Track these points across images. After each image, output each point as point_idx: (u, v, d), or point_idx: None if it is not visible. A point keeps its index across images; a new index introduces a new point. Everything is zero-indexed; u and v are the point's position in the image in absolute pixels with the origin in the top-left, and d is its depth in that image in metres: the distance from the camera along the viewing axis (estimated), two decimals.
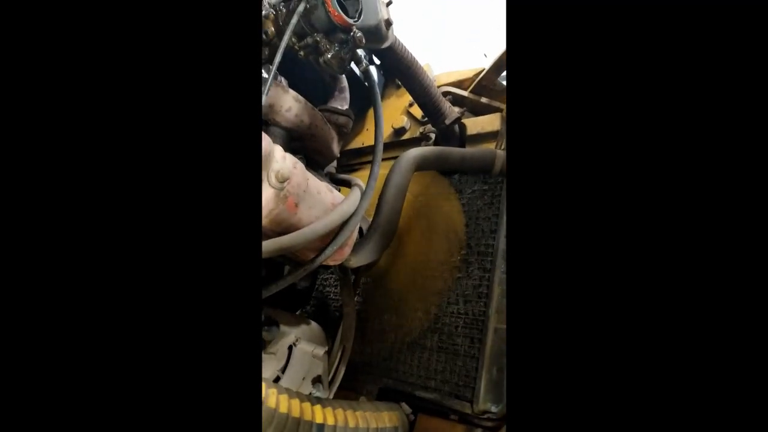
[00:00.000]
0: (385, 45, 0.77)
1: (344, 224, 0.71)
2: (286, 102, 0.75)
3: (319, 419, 0.54)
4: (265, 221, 0.64)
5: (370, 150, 1.18)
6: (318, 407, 0.55)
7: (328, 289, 1.09)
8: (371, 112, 1.21)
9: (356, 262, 0.83)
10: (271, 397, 0.50)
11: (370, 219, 0.88)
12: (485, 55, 1.32)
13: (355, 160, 1.18)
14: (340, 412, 0.58)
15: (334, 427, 0.56)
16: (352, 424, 0.59)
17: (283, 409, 0.51)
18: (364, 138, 1.19)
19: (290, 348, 0.72)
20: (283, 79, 0.90)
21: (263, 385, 0.51)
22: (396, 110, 1.12)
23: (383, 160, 0.80)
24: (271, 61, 0.71)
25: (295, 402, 0.53)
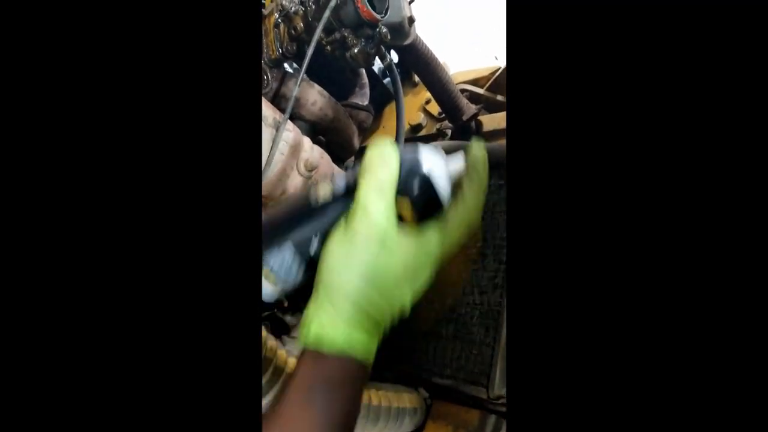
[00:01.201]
0: (408, 41, 0.79)
1: None
2: (311, 96, 0.78)
3: None
4: None
5: None
6: None
7: None
8: (387, 110, 1.24)
9: None
10: None
11: None
12: (496, 58, 1.34)
13: None
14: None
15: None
16: (375, 402, 0.62)
17: None
18: (381, 135, 1.21)
19: None
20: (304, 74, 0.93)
21: (289, 357, 0.54)
22: (412, 107, 1.15)
23: None
24: (299, 56, 0.74)
25: None
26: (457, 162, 0.39)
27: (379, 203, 0.35)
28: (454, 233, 0.39)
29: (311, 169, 0.65)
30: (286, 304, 0.77)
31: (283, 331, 0.78)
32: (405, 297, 0.37)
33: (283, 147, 0.61)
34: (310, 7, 0.69)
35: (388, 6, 0.66)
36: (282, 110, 0.72)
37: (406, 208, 0.37)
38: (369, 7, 0.62)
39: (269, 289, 0.38)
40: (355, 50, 0.69)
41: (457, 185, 0.39)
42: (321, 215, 0.38)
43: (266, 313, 0.77)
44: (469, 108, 0.98)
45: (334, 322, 0.34)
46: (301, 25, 0.70)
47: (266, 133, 0.59)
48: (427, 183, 0.37)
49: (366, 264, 0.34)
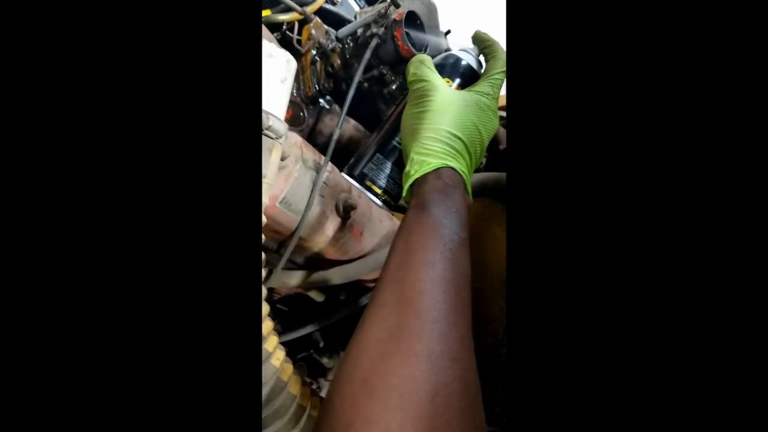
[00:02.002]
0: None
1: None
2: (347, 131, 0.77)
3: None
4: (331, 249, 0.65)
5: None
6: None
7: None
8: None
9: None
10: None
11: None
12: None
13: None
14: None
15: None
16: None
17: None
18: None
19: None
20: (336, 107, 0.92)
21: (307, 391, 0.51)
22: None
23: None
24: (335, 93, 0.73)
25: None
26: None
27: (430, 74, 0.46)
28: (497, 82, 0.46)
29: (349, 209, 0.63)
30: (321, 345, 0.75)
31: (319, 373, 0.75)
32: (479, 129, 0.44)
33: (322, 189, 0.60)
34: (348, 44, 0.68)
35: (427, 44, 0.64)
36: (317, 145, 0.71)
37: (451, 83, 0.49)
38: (409, 44, 0.60)
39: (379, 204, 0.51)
40: (393, 87, 0.67)
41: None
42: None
43: (303, 355, 0.74)
44: (503, 136, 0.95)
45: (429, 151, 0.41)
46: (339, 62, 0.69)
47: (306, 177, 0.57)
48: (462, 62, 0.50)
49: (437, 111, 0.42)
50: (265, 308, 0.46)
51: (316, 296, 0.77)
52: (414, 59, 0.49)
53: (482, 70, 0.51)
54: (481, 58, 0.51)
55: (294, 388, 0.46)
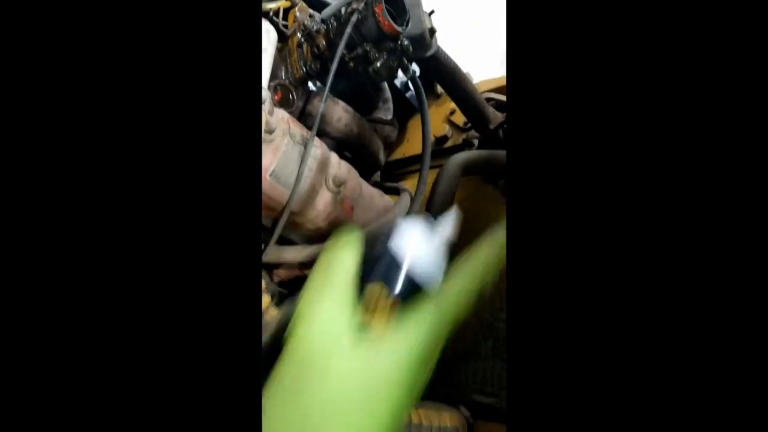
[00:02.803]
0: (429, 53, 0.79)
1: None
2: (336, 112, 0.78)
3: None
4: (323, 224, 0.66)
5: (412, 160, 1.20)
6: None
7: None
8: (411, 123, 1.23)
9: None
10: None
11: None
12: None
13: (399, 170, 1.20)
14: None
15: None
16: (415, 420, 0.59)
17: None
18: (406, 149, 1.20)
19: None
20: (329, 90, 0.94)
21: None
22: (437, 119, 1.14)
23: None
24: (323, 74, 0.75)
25: None
26: (447, 228, 0.34)
27: (326, 308, 0.26)
28: (454, 310, 0.30)
29: (339, 184, 0.65)
30: None
31: None
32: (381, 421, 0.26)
33: (311, 163, 0.61)
34: (332, 24, 0.70)
35: (408, 18, 0.65)
36: (309, 128, 0.73)
37: (382, 300, 0.29)
38: (390, 20, 0.62)
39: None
40: (378, 64, 0.69)
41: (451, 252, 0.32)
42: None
43: None
44: (496, 116, 0.97)
45: None
46: (324, 43, 0.70)
47: (294, 151, 0.59)
48: (408, 273, 0.31)
49: (309, 404, 0.25)
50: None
51: None
52: (316, 267, 0.32)
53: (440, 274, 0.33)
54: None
55: None
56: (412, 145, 1.20)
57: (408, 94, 1.19)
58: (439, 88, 1.20)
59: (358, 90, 0.91)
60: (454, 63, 0.87)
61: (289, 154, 0.58)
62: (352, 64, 0.72)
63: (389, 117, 0.92)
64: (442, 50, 0.85)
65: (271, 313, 0.52)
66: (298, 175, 0.58)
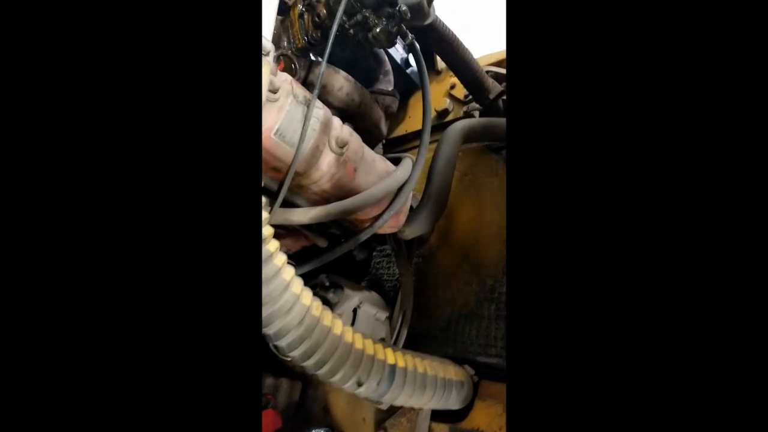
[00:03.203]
0: (428, 22, 0.80)
1: (399, 190, 0.74)
2: (337, 82, 0.80)
3: (391, 360, 0.56)
4: (327, 185, 0.68)
5: (413, 137, 1.21)
6: (389, 350, 0.58)
7: (381, 271, 1.12)
8: (412, 100, 1.25)
9: (410, 233, 0.86)
10: (347, 334, 0.53)
11: (419, 197, 0.91)
12: None
13: (401, 147, 1.22)
14: (410, 358, 0.60)
15: (405, 369, 0.58)
16: (420, 370, 0.61)
17: (358, 345, 0.54)
18: (407, 125, 1.22)
19: (355, 311, 0.75)
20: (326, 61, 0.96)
21: (339, 322, 0.54)
22: (438, 94, 1.16)
23: (429, 143, 0.83)
24: (323, 43, 0.77)
25: (369, 342, 0.56)
26: None
27: None
28: None
29: (342, 145, 0.67)
30: (327, 284, 0.78)
31: None
32: None
33: (314, 123, 0.63)
34: None
35: None
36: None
37: None
38: None
39: None
40: (377, 30, 0.71)
41: None
42: None
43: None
44: (495, 87, 0.98)
45: None
46: (324, 11, 0.72)
47: (298, 111, 0.61)
48: None
49: None
50: (268, 230, 0.50)
51: (320, 242, 0.81)
52: None
53: None
54: None
55: (296, 288, 0.49)
56: (413, 122, 1.22)
57: (408, 70, 1.20)
58: (440, 64, 1.21)
59: (359, 63, 0.93)
60: (453, 33, 0.88)
61: (292, 113, 0.60)
62: (352, 31, 0.74)
63: (390, 88, 0.94)
64: (440, 20, 0.86)
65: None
66: (302, 132, 0.60)
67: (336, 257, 0.73)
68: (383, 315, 0.79)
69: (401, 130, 1.23)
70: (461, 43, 0.90)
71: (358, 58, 0.91)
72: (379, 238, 1.03)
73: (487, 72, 1.03)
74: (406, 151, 1.21)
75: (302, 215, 0.69)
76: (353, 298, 0.75)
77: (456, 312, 0.93)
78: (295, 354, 0.50)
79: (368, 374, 0.54)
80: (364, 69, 0.93)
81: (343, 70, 0.83)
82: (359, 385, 0.54)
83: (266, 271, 0.47)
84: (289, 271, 0.50)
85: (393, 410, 0.83)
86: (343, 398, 0.97)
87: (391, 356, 0.57)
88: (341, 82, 0.80)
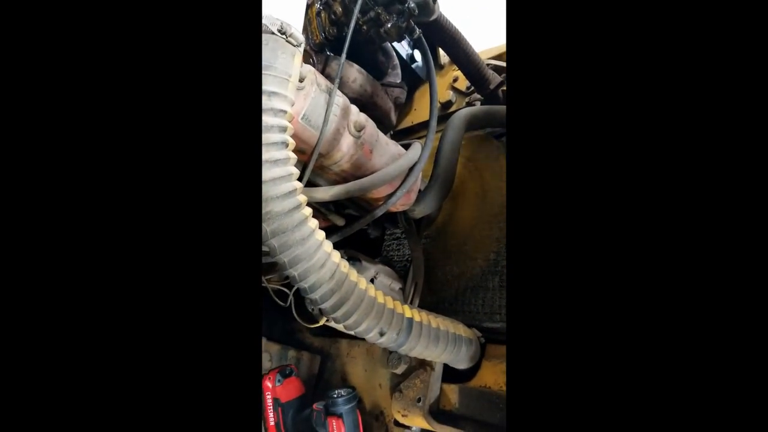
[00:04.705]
0: (433, 18, 0.88)
1: (410, 170, 0.82)
2: (351, 74, 0.88)
3: (408, 315, 0.64)
4: (346, 165, 0.76)
5: (419, 128, 1.29)
6: (407, 306, 0.66)
7: (391, 253, 1.20)
8: (418, 93, 1.33)
9: (420, 212, 0.94)
10: (371, 289, 0.61)
11: (427, 180, 0.98)
12: None
13: (407, 137, 1.30)
14: (424, 314, 0.67)
15: (420, 323, 0.66)
16: (434, 325, 0.69)
17: (380, 300, 0.61)
18: (413, 117, 1.30)
19: (372, 281, 0.83)
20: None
21: (363, 279, 0.62)
22: (441, 87, 1.23)
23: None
24: (339, 39, 0.85)
25: (389, 298, 0.64)
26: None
27: None
28: None
29: (360, 129, 0.74)
30: (345, 258, 0.86)
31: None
32: None
33: (335, 109, 0.71)
34: None
35: None
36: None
37: None
38: None
39: None
40: (389, 25, 0.78)
41: None
42: None
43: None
44: (495, 78, 1.06)
45: None
46: (340, 9, 0.80)
47: (321, 98, 0.69)
48: None
49: None
50: (307, 211, 0.57)
51: (338, 220, 0.89)
52: None
53: None
54: None
55: (327, 248, 0.57)
56: (418, 114, 1.30)
57: (414, 65, 1.28)
58: (442, 59, 1.29)
59: (370, 58, 1.01)
60: (456, 28, 0.96)
61: (317, 100, 0.68)
62: (365, 27, 0.81)
63: (398, 81, 1.02)
64: (444, 16, 0.94)
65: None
66: (325, 116, 0.68)
67: (354, 232, 0.81)
68: (397, 285, 0.87)
69: (407, 122, 1.30)
70: (463, 37, 0.98)
71: (369, 54, 0.99)
72: (392, 219, 1.11)
73: (487, 65, 1.11)
74: (412, 142, 1.29)
75: (324, 193, 0.76)
76: (370, 269, 0.83)
77: (463, 285, 1.01)
78: (327, 306, 0.58)
79: (389, 325, 0.61)
80: (375, 63, 1.00)
81: (356, 63, 0.90)
82: (381, 335, 0.61)
83: (303, 231, 0.54)
84: (321, 233, 0.58)
85: (406, 374, 0.91)
86: (360, 367, 1.04)
87: (408, 311, 0.64)
88: (355, 74, 0.88)
